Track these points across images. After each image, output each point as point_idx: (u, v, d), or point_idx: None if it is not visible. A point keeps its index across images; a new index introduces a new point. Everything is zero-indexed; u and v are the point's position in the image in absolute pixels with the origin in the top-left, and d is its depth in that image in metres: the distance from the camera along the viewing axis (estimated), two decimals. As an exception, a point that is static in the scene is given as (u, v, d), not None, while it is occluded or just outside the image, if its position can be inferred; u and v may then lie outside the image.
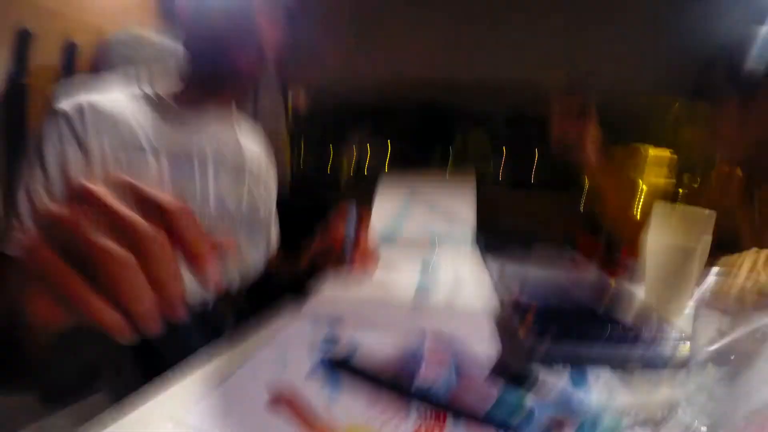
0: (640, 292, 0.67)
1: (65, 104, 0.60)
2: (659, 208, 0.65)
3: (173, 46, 1.18)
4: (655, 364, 0.45)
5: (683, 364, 0.39)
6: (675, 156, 1.73)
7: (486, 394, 0.38)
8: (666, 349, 0.47)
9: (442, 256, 0.94)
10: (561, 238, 1.15)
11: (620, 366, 0.45)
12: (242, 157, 0.78)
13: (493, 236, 1.10)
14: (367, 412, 0.35)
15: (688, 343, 0.44)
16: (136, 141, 0.62)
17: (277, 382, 0.39)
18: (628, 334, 0.50)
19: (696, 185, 1.22)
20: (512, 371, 0.43)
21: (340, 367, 0.43)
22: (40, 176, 0.55)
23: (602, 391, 0.40)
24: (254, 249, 0.81)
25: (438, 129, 1.76)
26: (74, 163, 0.57)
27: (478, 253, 0.98)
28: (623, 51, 1.11)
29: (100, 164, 0.58)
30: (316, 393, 0.38)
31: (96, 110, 0.60)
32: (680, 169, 1.54)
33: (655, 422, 0.36)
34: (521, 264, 0.92)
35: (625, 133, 1.82)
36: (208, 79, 0.71)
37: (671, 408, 0.38)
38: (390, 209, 1.09)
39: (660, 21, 1.03)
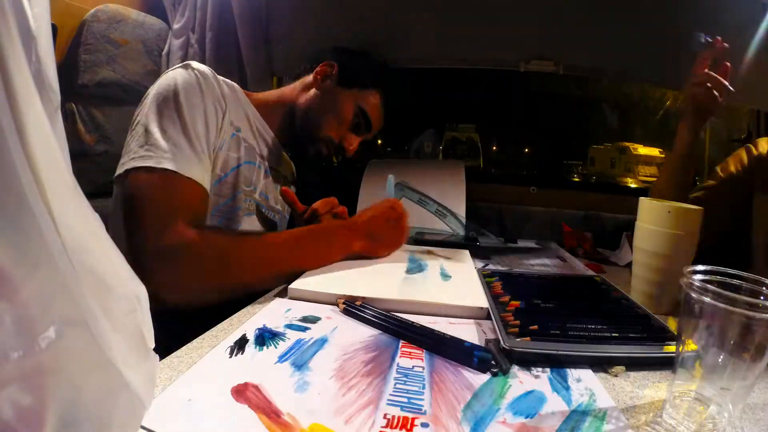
0: (627, 289, 0.66)
1: (197, 66, 0.68)
2: (647, 204, 0.64)
3: (156, 24, 1.14)
4: (640, 364, 0.44)
5: (670, 364, 0.37)
6: (664, 154, 1.72)
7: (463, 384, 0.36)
8: (652, 348, 0.46)
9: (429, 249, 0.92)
10: (547, 233, 1.13)
11: (603, 366, 0.43)
12: (285, 168, 0.93)
13: (480, 230, 1.08)
14: (331, 408, 0.33)
15: (674, 343, 0.42)
16: (234, 116, 0.74)
17: (244, 368, 0.38)
18: (612, 333, 0.48)
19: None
20: (490, 365, 0.41)
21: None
22: (176, 120, 0.62)
23: (583, 393, 0.38)
24: None
25: (426, 120, 1.73)
26: (210, 116, 0.66)
27: (466, 247, 0.96)
28: (626, 41, 1.06)
29: (214, 126, 0.67)
30: (282, 383, 0.36)
31: (219, 79, 0.71)
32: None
33: (639, 425, 0.34)
34: (506, 258, 0.90)
35: (615, 131, 1.81)
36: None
37: (656, 410, 0.36)
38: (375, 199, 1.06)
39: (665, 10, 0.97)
